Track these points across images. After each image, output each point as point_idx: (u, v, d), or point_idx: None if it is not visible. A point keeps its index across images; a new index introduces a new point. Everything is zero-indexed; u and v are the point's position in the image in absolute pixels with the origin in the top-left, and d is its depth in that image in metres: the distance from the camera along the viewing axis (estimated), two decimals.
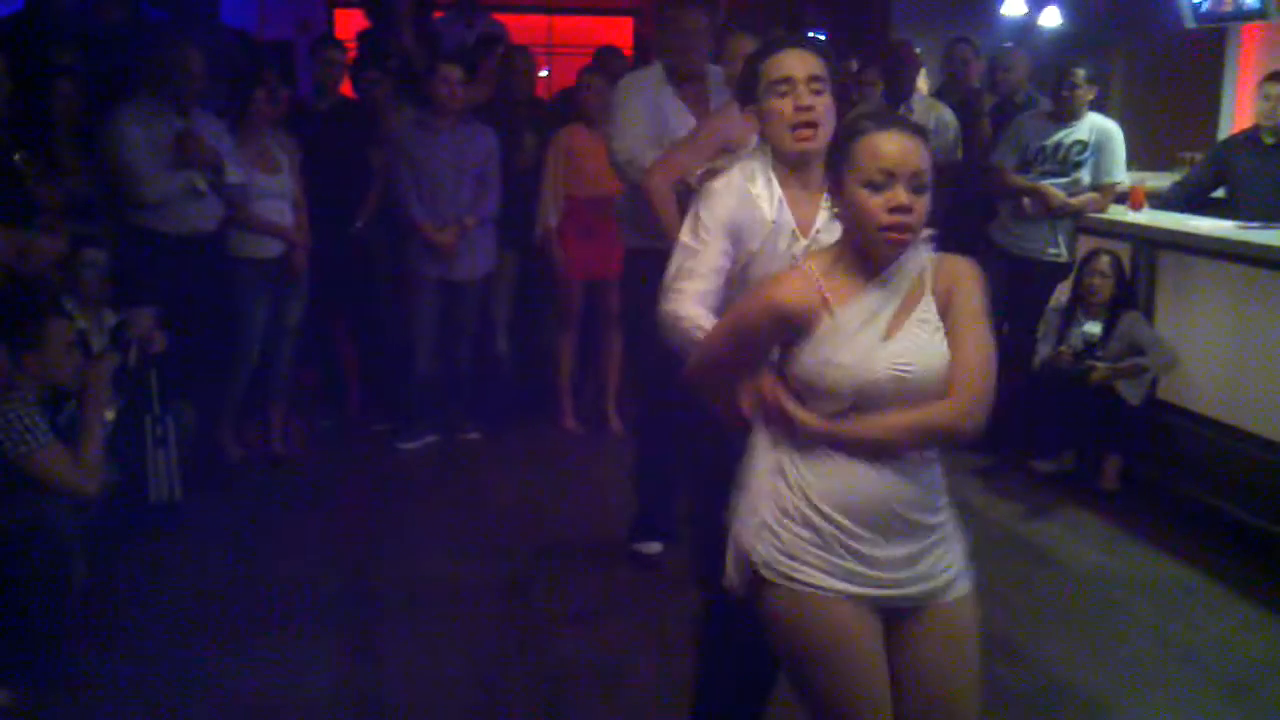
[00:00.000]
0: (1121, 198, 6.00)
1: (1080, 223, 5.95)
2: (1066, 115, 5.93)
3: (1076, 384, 5.43)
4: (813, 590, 2.29)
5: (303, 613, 4.23)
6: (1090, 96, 5.93)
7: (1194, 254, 5.41)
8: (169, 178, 5.13)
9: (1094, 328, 5.50)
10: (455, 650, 3.96)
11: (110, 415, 4.26)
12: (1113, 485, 5.43)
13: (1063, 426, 5.63)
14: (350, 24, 8.78)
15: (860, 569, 2.29)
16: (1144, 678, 3.87)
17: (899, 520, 2.29)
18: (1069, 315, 5.62)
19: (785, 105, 2.80)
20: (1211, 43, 7.65)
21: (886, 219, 2.24)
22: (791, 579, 2.30)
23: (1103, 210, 5.91)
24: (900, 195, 2.23)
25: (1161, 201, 6.10)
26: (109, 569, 4.27)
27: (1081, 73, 5.90)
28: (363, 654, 3.96)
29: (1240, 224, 5.34)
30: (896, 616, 2.34)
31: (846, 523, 2.27)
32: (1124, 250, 5.65)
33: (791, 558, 2.31)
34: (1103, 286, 5.49)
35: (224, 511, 5.12)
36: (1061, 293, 5.83)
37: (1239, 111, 7.38)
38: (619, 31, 11.17)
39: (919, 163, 2.24)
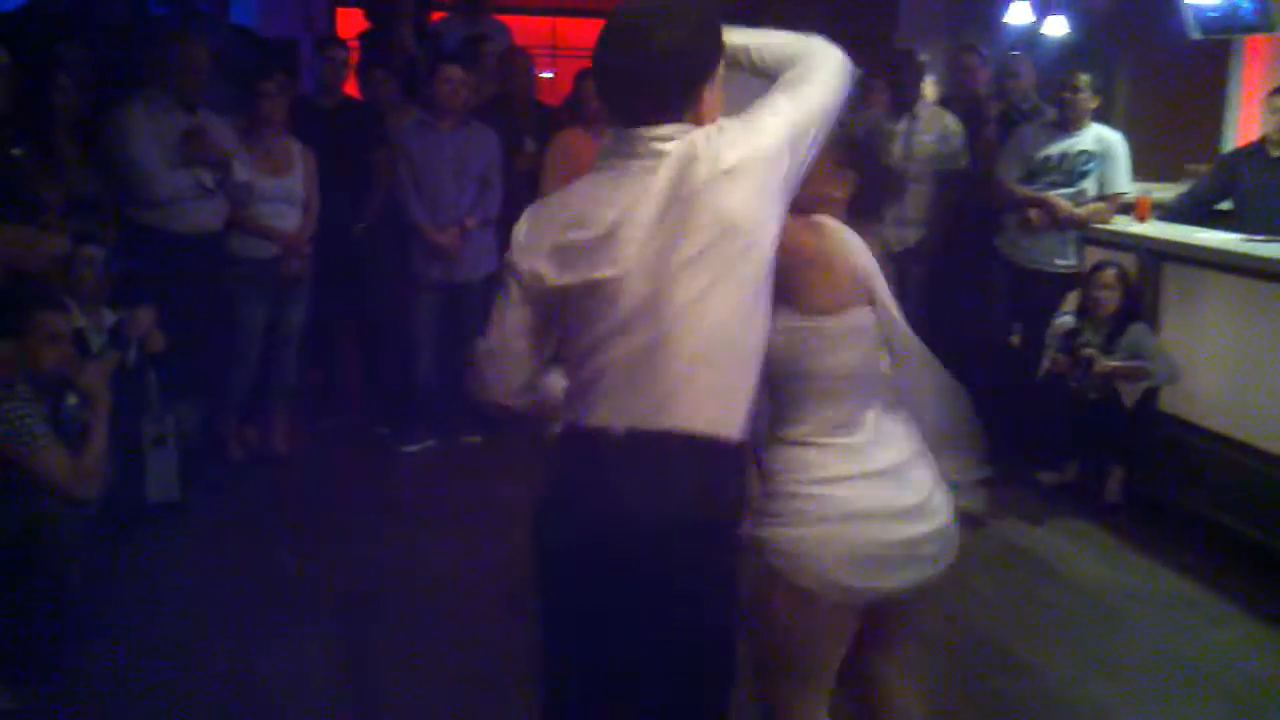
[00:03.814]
0: (1126, 208, 5.98)
1: (1085, 233, 5.93)
2: (1070, 123, 5.91)
3: (1079, 394, 5.41)
4: None
5: (304, 613, 4.22)
6: (1094, 104, 5.91)
7: (1200, 266, 5.38)
8: (177, 175, 5.11)
9: (1095, 339, 5.44)
10: (455, 650, 3.94)
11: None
12: (1115, 497, 5.40)
13: (1066, 438, 5.61)
14: (352, 23, 8.74)
15: None
16: (1146, 691, 3.86)
17: None
18: (1075, 328, 5.57)
19: None
20: (1216, 55, 7.65)
21: None
22: None
23: (1107, 221, 5.89)
24: None
25: (1168, 213, 6.08)
26: (108, 568, 4.24)
27: (1085, 78, 5.88)
28: (364, 652, 3.94)
29: (1246, 237, 5.31)
30: None
31: None
32: (1129, 261, 5.62)
33: None
34: (1109, 299, 5.42)
35: (225, 511, 5.09)
36: (1067, 304, 5.80)
37: (1243, 124, 7.38)
38: None
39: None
